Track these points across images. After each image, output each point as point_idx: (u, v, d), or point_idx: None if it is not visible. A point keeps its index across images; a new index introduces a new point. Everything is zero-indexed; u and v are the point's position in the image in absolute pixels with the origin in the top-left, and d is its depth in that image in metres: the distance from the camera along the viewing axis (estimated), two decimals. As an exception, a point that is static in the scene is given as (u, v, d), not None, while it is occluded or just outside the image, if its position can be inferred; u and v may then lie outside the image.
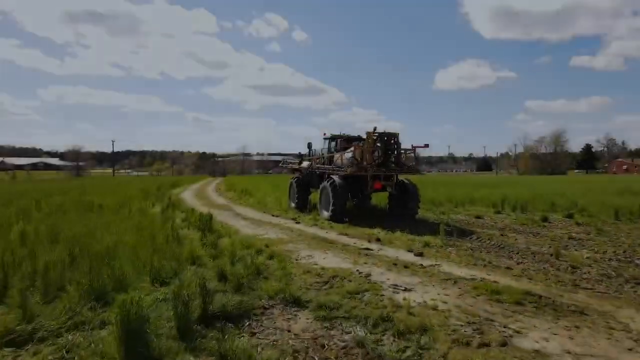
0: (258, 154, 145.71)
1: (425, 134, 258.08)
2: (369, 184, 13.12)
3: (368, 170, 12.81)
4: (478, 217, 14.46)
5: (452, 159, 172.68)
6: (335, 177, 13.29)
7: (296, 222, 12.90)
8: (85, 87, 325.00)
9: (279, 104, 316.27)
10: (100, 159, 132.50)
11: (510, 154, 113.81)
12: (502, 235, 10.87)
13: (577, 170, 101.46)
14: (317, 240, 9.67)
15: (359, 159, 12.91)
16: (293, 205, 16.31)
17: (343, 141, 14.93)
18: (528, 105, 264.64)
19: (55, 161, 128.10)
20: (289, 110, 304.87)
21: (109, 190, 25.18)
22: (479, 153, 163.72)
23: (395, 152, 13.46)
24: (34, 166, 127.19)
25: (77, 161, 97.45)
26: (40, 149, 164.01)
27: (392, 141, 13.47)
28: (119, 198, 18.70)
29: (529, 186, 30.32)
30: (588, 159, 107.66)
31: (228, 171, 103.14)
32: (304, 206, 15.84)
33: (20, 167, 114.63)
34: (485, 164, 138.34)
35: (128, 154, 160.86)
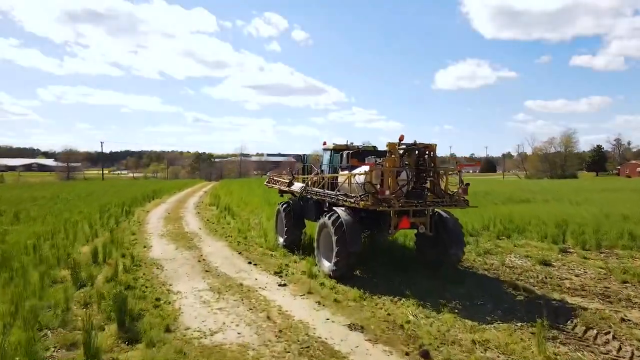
0: (257, 154, 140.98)
1: (426, 133, 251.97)
2: (392, 221, 8.54)
3: (392, 203, 8.27)
4: (545, 262, 10.19)
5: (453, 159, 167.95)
6: (341, 211, 8.77)
7: (280, 283, 8.44)
8: (84, 87, 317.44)
9: (278, 103, 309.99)
10: (98, 159, 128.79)
11: (514, 154, 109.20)
12: (622, 319, 6.53)
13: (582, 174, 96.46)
14: (311, 358, 5.19)
15: (377, 185, 8.35)
16: (281, 240, 11.83)
17: (352, 155, 10.10)
18: (528, 105, 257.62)
19: (49, 162, 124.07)
20: (288, 110, 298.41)
21: (59, 208, 20.68)
22: (480, 153, 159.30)
23: (432, 174, 8.92)
24: (28, 167, 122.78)
25: (69, 162, 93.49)
26: (38, 150, 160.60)
27: (427, 157, 8.94)
28: (54, 225, 14.23)
29: (561, 195, 25.78)
30: (599, 161, 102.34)
31: (225, 173, 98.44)
32: (295, 244, 11.34)
33: (13, 169, 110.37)
34: (488, 165, 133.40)
35: (127, 154, 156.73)
